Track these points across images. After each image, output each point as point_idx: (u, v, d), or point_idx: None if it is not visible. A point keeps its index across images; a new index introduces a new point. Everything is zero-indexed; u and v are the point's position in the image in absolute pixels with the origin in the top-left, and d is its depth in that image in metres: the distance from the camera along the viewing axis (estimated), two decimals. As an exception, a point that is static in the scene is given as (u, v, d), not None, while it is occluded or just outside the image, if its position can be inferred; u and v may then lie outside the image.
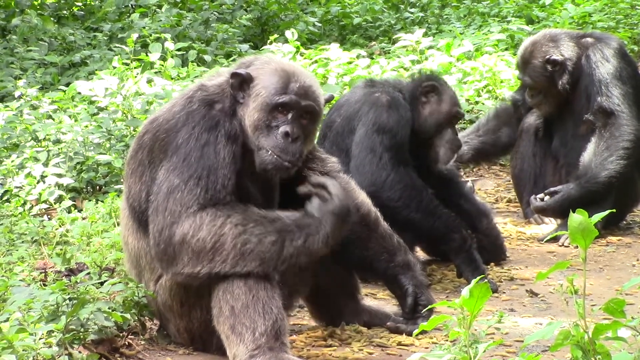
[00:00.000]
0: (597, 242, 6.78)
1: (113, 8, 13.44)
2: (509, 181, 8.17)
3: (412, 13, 14.83)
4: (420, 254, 6.38)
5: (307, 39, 13.12)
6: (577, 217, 3.48)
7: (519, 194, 7.67)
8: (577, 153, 7.09)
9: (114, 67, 8.91)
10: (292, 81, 4.63)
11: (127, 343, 4.73)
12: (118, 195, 6.68)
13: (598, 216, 3.55)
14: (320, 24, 14.05)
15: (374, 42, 13.43)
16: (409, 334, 4.93)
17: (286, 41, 11.03)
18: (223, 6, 14.03)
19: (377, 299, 5.61)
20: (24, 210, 6.88)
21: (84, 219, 6.62)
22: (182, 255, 4.37)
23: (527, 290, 5.80)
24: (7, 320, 4.24)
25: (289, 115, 4.60)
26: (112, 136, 7.82)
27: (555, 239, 6.84)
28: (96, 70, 10.09)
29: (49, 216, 6.91)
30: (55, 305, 4.49)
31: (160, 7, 13.38)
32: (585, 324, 3.46)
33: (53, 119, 8.31)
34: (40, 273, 5.54)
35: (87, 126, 7.97)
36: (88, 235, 6.29)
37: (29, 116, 8.29)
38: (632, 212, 7.52)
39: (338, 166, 5.06)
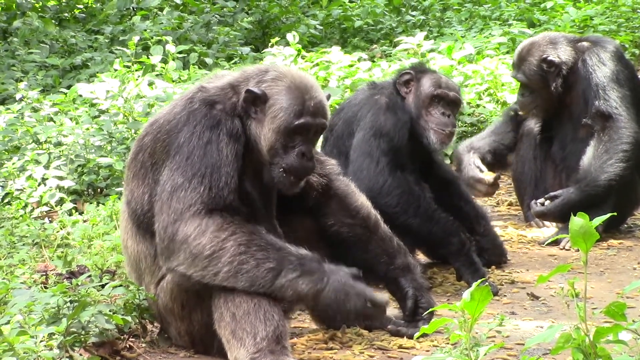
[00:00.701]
0: (598, 246, 6.78)
1: (114, 11, 13.46)
2: (510, 184, 8.17)
3: (413, 16, 14.84)
4: (421, 257, 6.38)
5: (309, 42, 13.13)
6: (578, 221, 3.48)
7: (519, 197, 7.67)
8: (576, 157, 7.09)
9: (115, 70, 8.92)
10: (307, 99, 4.66)
11: (128, 346, 4.73)
12: (119, 198, 6.68)
13: (599, 219, 3.54)
14: (321, 27, 14.07)
15: (375, 45, 13.43)
16: (410, 337, 4.92)
17: (287, 44, 11.03)
18: (224, 9, 14.04)
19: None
20: (25, 212, 6.88)
21: (85, 221, 6.62)
22: (180, 254, 4.39)
23: (528, 294, 5.80)
24: (8, 322, 4.24)
25: (305, 136, 4.66)
26: (113, 139, 7.82)
27: (556, 242, 6.83)
28: (97, 72, 10.09)
29: (50, 219, 6.91)
30: (56, 308, 4.50)
31: (161, 9, 13.40)
32: (586, 327, 3.46)
33: (54, 122, 8.32)
34: (41, 276, 5.54)
35: (88, 129, 7.98)
36: (89, 238, 6.29)
37: (30, 119, 8.30)
38: (633, 216, 7.51)
39: (337, 169, 5.08)
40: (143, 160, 4.65)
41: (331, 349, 4.90)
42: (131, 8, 13.73)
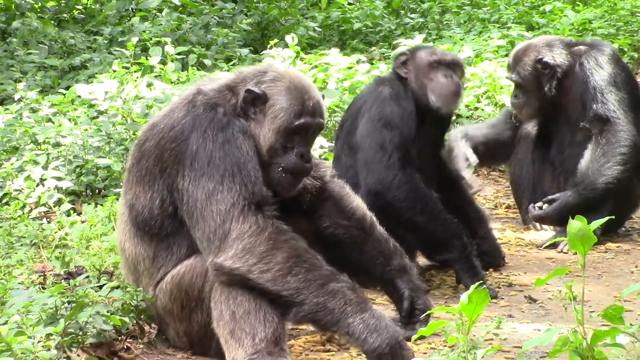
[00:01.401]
0: (595, 249, 6.78)
1: (113, 12, 13.45)
2: (508, 187, 8.16)
3: (412, 19, 14.84)
4: (420, 260, 6.37)
5: (307, 44, 13.12)
6: (576, 224, 3.48)
7: (517, 200, 7.67)
8: (574, 160, 7.08)
9: (114, 71, 8.92)
10: (306, 99, 4.68)
11: (125, 347, 4.74)
12: (117, 199, 6.67)
13: (597, 223, 3.55)
14: (320, 29, 14.06)
15: (374, 48, 13.42)
16: (407, 339, 4.91)
17: (286, 46, 11.03)
18: (223, 10, 14.04)
19: (375, 304, 5.61)
20: (23, 213, 6.87)
21: (83, 222, 6.62)
22: (230, 250, 4.36)
23: (525, 296, 5.80)
24: (5, 323, 4.24)
25: (305, 136, 4.68)
26: (112, 140, 7.82)
27: (554, 245, 6.83)
28: (96, 73, 10.09)
29: (48, 219, 6.91)
30: (54, 309, 4.50)
31: (160, 11, 13.39)
32: (583, 331, 3.46)
33: (53, 122, 8.31)
34: (39, 276, 5.54)
35: (86, 129, 7.97)
36: (87, 239, 6.29)
37: (29, 119, 8.29)
38: (631, 219, 7.52)
39: (332, 171, 5.09)
40: (148, 167, 4.62)
41: (328, 351, 4.91)
42: (130, 9, 13.72)
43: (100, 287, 4.87)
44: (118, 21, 13.32)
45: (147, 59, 9.97)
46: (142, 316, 4.82)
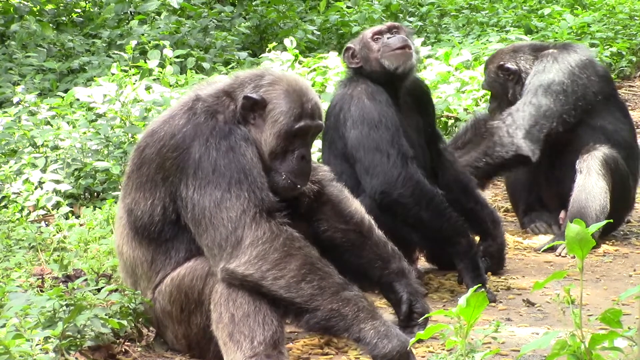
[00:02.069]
0: (594, 253, 6.79)
1: (112, 15, 13.44)
2: (505, 191, 8.16)
3: (410, 22, 14.84)
4: (419, 263, 6.37)
5: (306, 47, 13.13)
6: (574, 227, 3.48)
7: (514, 204, 7.68)
8: (565, 162, 7.09)
9: (113, 74, 8.90)
10: (305, 102, 4.69)
11: (123, 350, 4.74)
12: (116, 202, 6.67)
13: (595, 227, 3.55)
14: (319, 32, 14.06)
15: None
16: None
17: (285, 49, 11.03)
18: (222, 14, 14.04)
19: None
20: (22, 216, 6.88)
21: (81, 225, 6.62)
22: (243, 257, 4.37)
23: (524, 300, 5.80)
24: (4, 326, 4.23)
25: (305, 138, 4.70)
26: (110, 143, 7.82)
27: (552, 249, 6.83)
28: (95, 76, 10.08)
29: (46, 222, 6.91)
30: (52, 312, 4.50)
31: (159, 14, 13.39)
32: (581, 334, 3.47)
33: (51, 125, 8.31)
34: (38, 279, 5.53)
35: (85, 132, 7.97)
36: (85, 242, 6.29)
37: (27, 122, 8.29)
38: (628, 222, 7.53)
39: (330, 175, 5.08)
40: (149, 174, 4.61)
41: (327, 354, 4.91)
42: (129, 12, 13.72)
43: (99, 290, 4.87)
44: (117, 24, 13.31)
45: (145, 62, 9.97)
46: (140, 319, 4.82)
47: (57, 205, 7.03)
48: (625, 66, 13.68)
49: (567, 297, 3.54)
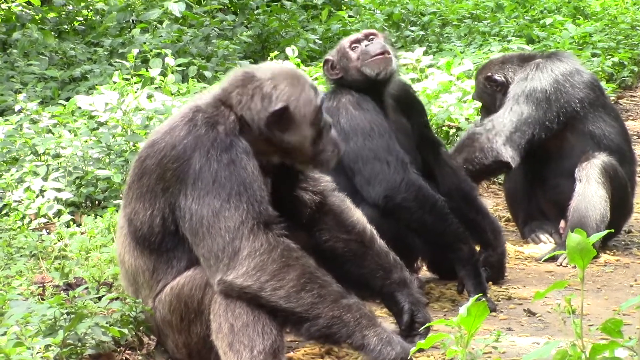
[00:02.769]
0: (595, 262, 6.79)
1: (114, 23, 13.46)
2: (505, 200, 8.16)
3: (412, 31, 14.87)
4: (420, 273, 6.37)
5: (308, 56, 13.14)
6: (575, 237, 3.49)
7: (513, 214, 7.67)
8: (562, 171, 7.10)
9: (114, 82, 8.92)
10: (306, 79, 4.75)
11: (124, 358, 4.74)
12: (117, 210, 6.68)
13: (596, 236, 3.55)
14: (320, 41, 14.07)
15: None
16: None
17: (286, 58, 11.04)
18: (224, 22, 14.05)
19: (374, 316, 5.60)
20: (23, 224, 6.88)
21: (82, 233, 6.62)
22: (241, 268, 4.36)
23: (524, 310, 5.80)
24: (4, 334, 4.23)
25: (323, 112, 4.74)
26: (112, 151, 7.82)
27: (553, 259, 6.83)
28: (96, 85, 10.08)
29: (47, 230, 6.91)
30: (53, 320, 4.50)
31: (161, 22, 13.40)
32: (582, 344, 3.47)
33: (53, 134, 8.31)
34: (39, 287, 5.54)
35: (86, 141, 7.97)
36: (86, 250, 6.29)
37: (29, 130, 8.29)
38: (629, 232, 7.53)
39: (332, 185, 5.08)
40: (150, 185, 4.60)
41: (327, 363, 4.91)
42: (131, 21, 13.74)
43: (100, 298, 4.87)
44: (118, 33, 13.33)
45: (147, 71, 9.98)
46: (141, 328, 4.81)
47: (59, 214, 7.03)
48: (627, 76, 13.68)
49: (568, 307, 3.54)
